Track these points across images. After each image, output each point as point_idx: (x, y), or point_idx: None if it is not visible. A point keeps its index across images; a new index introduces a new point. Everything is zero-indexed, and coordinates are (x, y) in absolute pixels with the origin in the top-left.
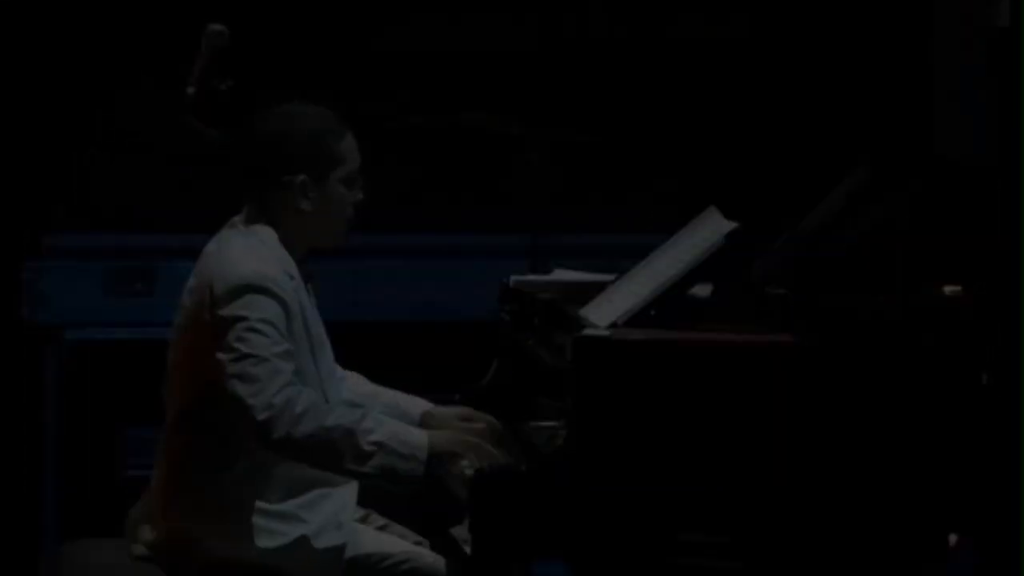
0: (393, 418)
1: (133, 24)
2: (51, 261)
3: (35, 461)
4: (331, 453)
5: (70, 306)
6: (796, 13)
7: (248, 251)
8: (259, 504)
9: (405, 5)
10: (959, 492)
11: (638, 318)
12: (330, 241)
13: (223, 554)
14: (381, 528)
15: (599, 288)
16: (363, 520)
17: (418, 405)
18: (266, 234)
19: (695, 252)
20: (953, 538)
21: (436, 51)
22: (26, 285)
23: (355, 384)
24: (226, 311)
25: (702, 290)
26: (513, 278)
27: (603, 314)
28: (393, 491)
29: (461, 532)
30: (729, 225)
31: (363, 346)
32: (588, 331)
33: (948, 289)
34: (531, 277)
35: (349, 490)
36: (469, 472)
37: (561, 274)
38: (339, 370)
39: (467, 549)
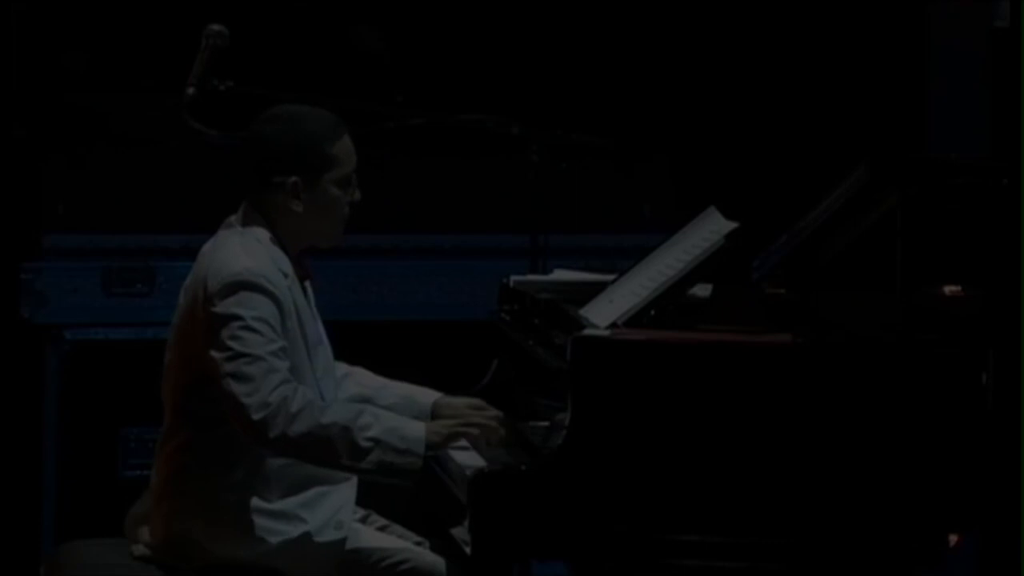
0: (405, 409)
1: (133, 24)
2: (51, 261)
3: (35, 461)
4: (328, 450)
5: (70, 306)
6: (795, 13)
7: (242, 249)
8: (258, 503)
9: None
10: (959, 492)
11: (638, 318)
12: (326, 241)
13: (223, 554)
14: (381, 528)
15: (599, 288)
16: (363, 520)
17: (429, 396)
18: (261, 233)
19: (695, 252)
20: (953, 538)
21: (435, 51)
22: (26, 285)
23: (362, 378)
24: (220, 308)
25: (702, 290)
26: (513, 278)
27: (603, 314)
28: (394, 484)
29: (461, 533)
30: (729, 225)
31: (363, 346)
32: (588, 331)
33: (948, 289)
34: (531, 277)
35: (348, 488)
36: (469, 473)
37: (561, 274)
38: (343, 367)
39: (467, 549)
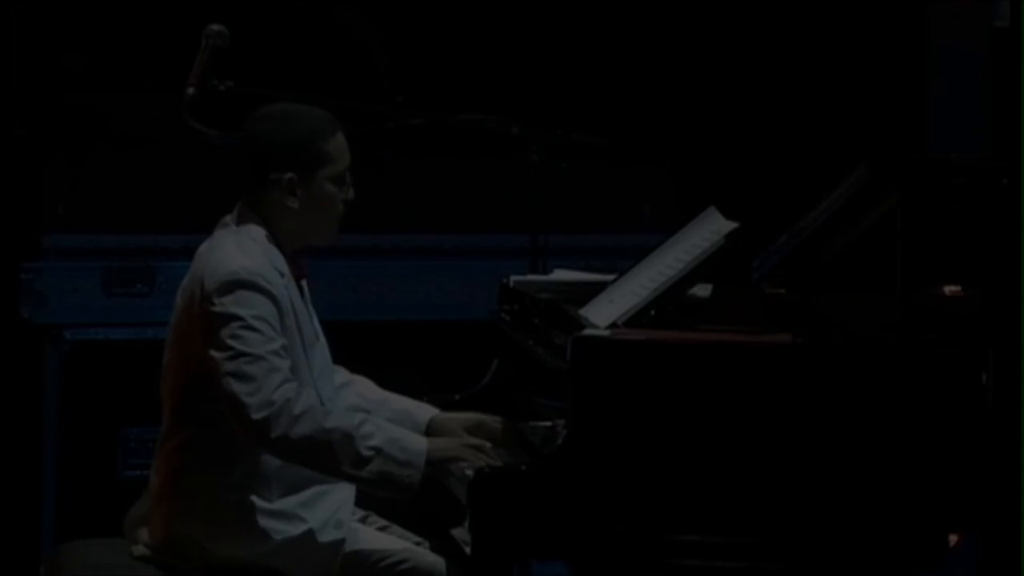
0: (401, 424)
1: (133, 24)
2: (51, 261)
3: (35, 461)
4: (328, 456)
5: (70, 306)
6: (795, 13)
7: (237, 248)
8: (258, 503)
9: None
10: (959, 492)
11: (638, 318)
12: (321, 239)
13: (222, 554)
14: (381, 529)
15: (599, 288)
16: (363, 521)
17: (426, 412)
18: (256, 232)
19: (695, 252)
20: (953, 538)
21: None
22: (26, 285)
23: (364, 389)
24: (219, 308)
25: (702, 290)
26: (513, 278)
27: (603, 314)
28: (389, 498)
29: (461, 533)
30: (729, 225)
31: (363, 346)
32: (588, 331)
33: (948, 289)
34: (531, 277)
35: (348, 488)
36: (470, 473)
37: (561, 274)
38: (345, 374)
39: (467, 549)
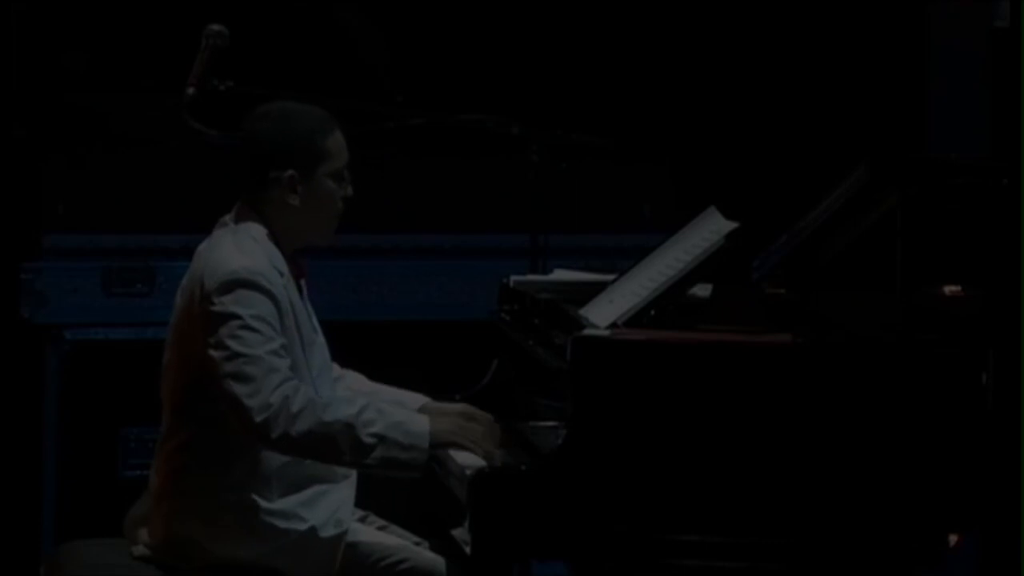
0: None
1: (133, 24)
2: (51, 261)
3: (35, 461)
4: (331, 448)
5: (70, 306)
6: (795, 13)
7: (237, 247)
8: (258, 502)
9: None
10: (959, 492)
11: (638, 318)
12: (320, 237)
13: (222, 554)
14: (380, 529)
15: (599, 288)
16: (362, 521)
17: (417, 400)
18: (256, 230)
19: (695, 252)
20: (953, 538)
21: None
22: (26, 285)
23: (354, 383)
24: (218, 307)
25: (702, 290)
26: (513, 278)
27: (603, 314)
28: (396, 478)
29: (461, 533)
30: (729, 225)
31: (363, 346)
32: (588, 331)
33: (948, 289)
34: (531, 277)
35: (347, 487)
36: (469, 473)
37: (561, 274)
38: (337, 369)
39: (467, 549)
